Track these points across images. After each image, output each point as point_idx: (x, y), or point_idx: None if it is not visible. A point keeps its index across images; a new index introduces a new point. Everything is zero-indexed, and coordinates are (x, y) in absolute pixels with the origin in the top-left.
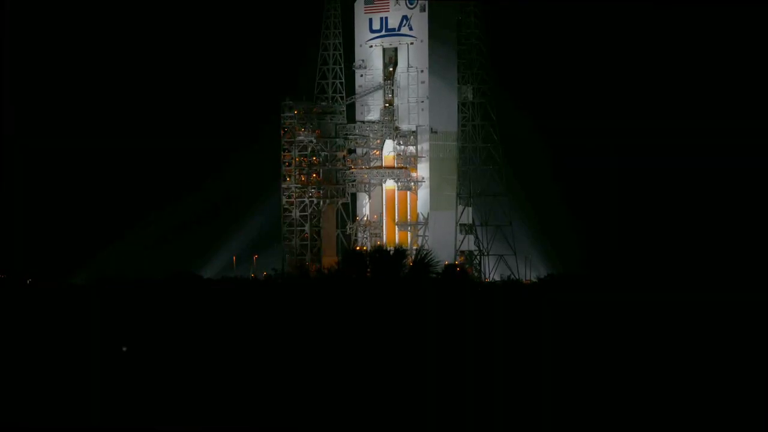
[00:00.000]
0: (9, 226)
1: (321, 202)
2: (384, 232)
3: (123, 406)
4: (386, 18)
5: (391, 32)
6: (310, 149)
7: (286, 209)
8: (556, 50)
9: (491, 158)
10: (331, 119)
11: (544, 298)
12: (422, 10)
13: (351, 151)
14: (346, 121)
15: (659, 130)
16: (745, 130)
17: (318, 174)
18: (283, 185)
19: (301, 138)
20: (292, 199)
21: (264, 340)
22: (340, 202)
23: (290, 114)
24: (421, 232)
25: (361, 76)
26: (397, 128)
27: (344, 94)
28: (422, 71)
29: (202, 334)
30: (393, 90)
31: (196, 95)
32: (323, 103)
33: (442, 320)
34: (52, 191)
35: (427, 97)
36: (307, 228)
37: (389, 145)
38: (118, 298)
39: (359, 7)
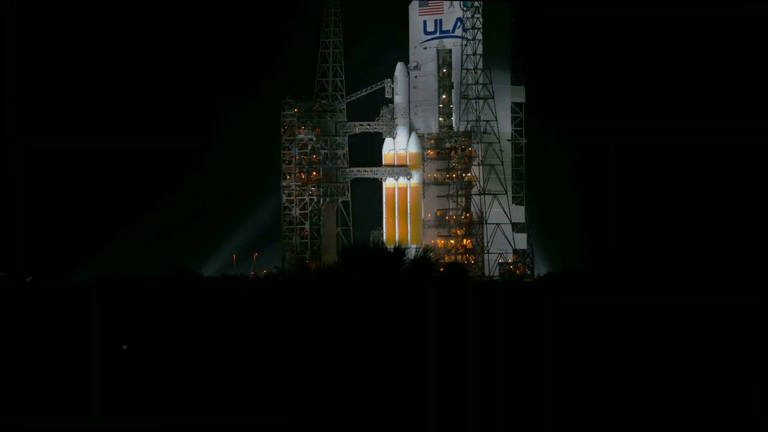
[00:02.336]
0: (9, 226)
1: (321, 201)
2: (384, 230)
3: (123, 406)
4: (440, 20)
5: (446, 34)
6: (310, 147)
7: (286, 207)
8: (560, 51)
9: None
10: (331, 117)
11: (544, 298)
12: (477, 12)
13: None
14: (346, 119)
15: (660, 130)
16: (745, 130)
17: (318, 172)
18: (283, 183)
19: (301, 136)
20: (292, 198)
21: (264, 340)
22: (340, 201)
23: (290, 112)
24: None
25: (416, 77)
26: (450, 128)
27: (344, 93)
28: (477, 72)
29: (202, 334)
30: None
31: (196, 94)
32: (323, 101)
33: (442, 319)
34: (52, 191)
35: (482, 98)
36: (307, 226)
37: (389, 144)
38: (118, 298)
39: (414, 9)
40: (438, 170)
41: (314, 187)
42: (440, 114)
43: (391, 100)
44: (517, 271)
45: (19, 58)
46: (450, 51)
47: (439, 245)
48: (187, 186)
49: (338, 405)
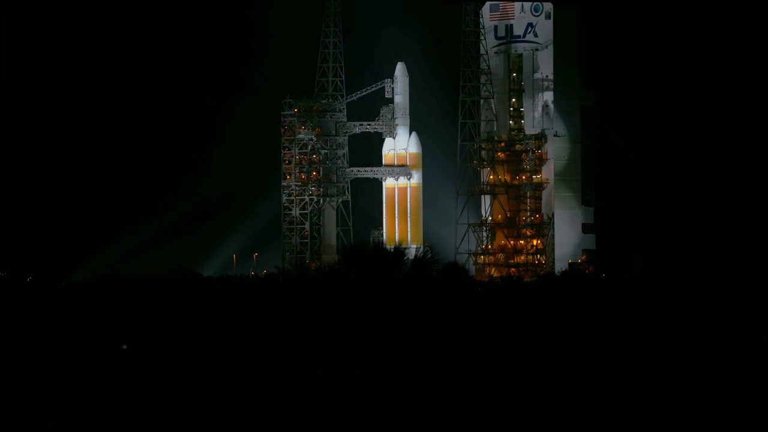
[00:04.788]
0: (9, 226)
1: (321, 201)
2: (384, 230)
3: (123, 406)
4: (511, 25)
5: (516, 39)
6: (310, 147)
7: (286, 207)
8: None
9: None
10: (331, 117)
11: (544, 298)
12: (547, 17)
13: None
14: (346, 119)
15: (662, 130)
16: (745, 130)
17: (318, 172)
18: (283, 183)
19: (301, 136)
20: (292, 198)
21: (264, 339)
22: (340, 201)
23: (290, 112)
24: (545, 232)
25: (485, 81)
26: (521, 131)
27: (344, 92)
28: (547, 76)
29: (202, 333)
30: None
31: (196, 95)
32: (323, 101)
33: (442, 320)
34: (52, 191)
35: (552, 102)
36: (307, 226)
37: (390, 143)
38: (118, 298)
39: (485, 15)
40: (508, 172)
41: (314, 187)
42: (510, 117)
43: (391, 100)
44: (586, 271)
45: (18, 58)
46: (521, 56)
47: (508, 246)
48: (187, 186)
49: (339, 405)
